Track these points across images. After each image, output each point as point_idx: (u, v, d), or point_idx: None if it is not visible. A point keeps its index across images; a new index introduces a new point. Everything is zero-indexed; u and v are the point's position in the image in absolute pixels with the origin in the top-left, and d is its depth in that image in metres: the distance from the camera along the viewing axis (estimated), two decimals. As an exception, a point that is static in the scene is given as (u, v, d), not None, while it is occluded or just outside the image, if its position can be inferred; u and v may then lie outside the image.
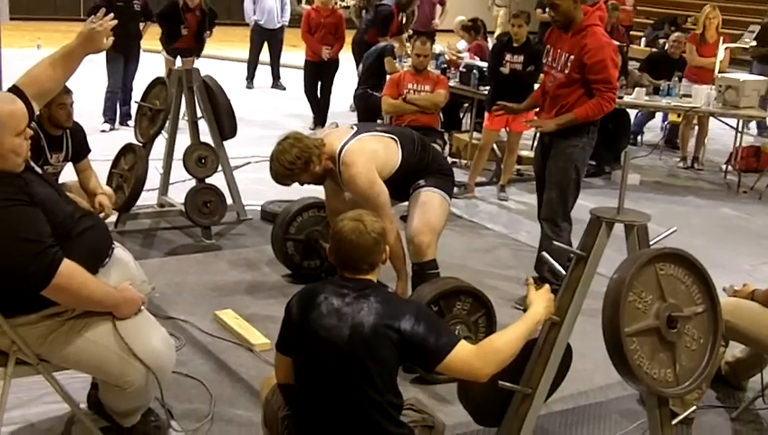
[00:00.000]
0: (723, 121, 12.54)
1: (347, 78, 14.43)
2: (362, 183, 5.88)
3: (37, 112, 4.56)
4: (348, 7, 18.18)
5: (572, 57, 6.76)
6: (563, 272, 4.28)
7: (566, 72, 6.82)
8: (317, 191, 6.98)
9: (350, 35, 14.21)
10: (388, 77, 11.12)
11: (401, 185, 6.10)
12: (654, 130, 14.80)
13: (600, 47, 6.73)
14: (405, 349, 3.69)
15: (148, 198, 8.49)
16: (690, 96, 11.74)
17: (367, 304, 3.72)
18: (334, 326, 3.69)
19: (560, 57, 6.88)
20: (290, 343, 3.90)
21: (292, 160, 5.80)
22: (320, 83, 13.73)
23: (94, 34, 4.51)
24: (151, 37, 13.84)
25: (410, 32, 14.70)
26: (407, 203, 6.41)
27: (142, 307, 4.35)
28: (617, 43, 12.71)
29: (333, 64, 13.67)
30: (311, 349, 3.75)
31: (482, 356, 3.75)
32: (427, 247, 6.00)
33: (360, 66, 12.82)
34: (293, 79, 14.09)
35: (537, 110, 7.50)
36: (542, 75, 7.74)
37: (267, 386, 4.16)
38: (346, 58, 14.23)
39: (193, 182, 8.21)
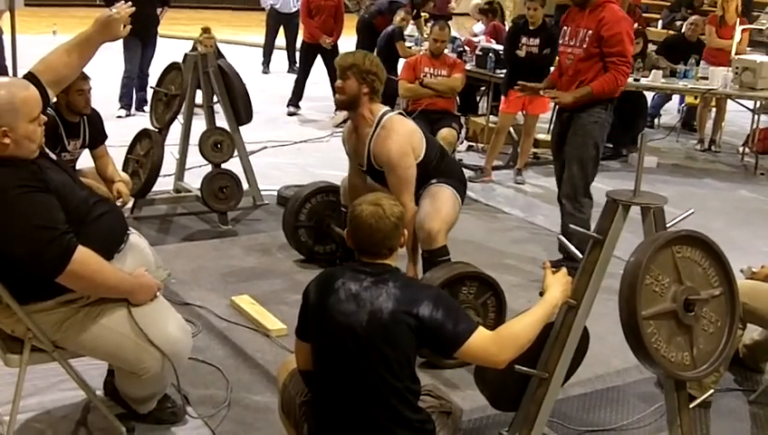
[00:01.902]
0: (740, 103, 12.49)
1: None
2: (396, 152, 5.87)
3: (53, 99, 4.54)
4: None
5: (590, 32, 6.80)
6: (580, 255, 4.26)
7: (584, 46, 6.84)
8: (327, 175, 6.97)
9: (349, 19, 14.11)
10: (402, 61, 11.12)
11: (415, 182, 6.07)
12: (671, 113, 14.78)
13: (617, 21, 6.78)
14: (423, 335, 3.68)
15: (164, 184, 8.48)
16: (707, 78, 11.69)
17: (385, 289, 3.70)
18: (352, 312, 3.68)
19: (578, 34, 6.89)
20: (308, 328, 3.89)
21: (364, 65, 5.89)
22: (327, 71, 13.64)
23: (111, 22, 4.49)
24: (167, 22, 13.84)
25: (427, 15, 14.66)
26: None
27: (158, 293, 4.35)
28: (636, 25, 12.75)
29: (333, 48, 13.55)
30: (328, 334, 3.74)
31: (499, 342, 3.73)
32: (438, 233, 5.95)
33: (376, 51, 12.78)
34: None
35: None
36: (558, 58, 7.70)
37: (285, 372, 4.15)
38: (348, 41, 14.15)
39: (209, 167, 8.19)
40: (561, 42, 7.15)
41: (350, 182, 6.55)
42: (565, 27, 7.08)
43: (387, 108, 6.06)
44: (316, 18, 13.42)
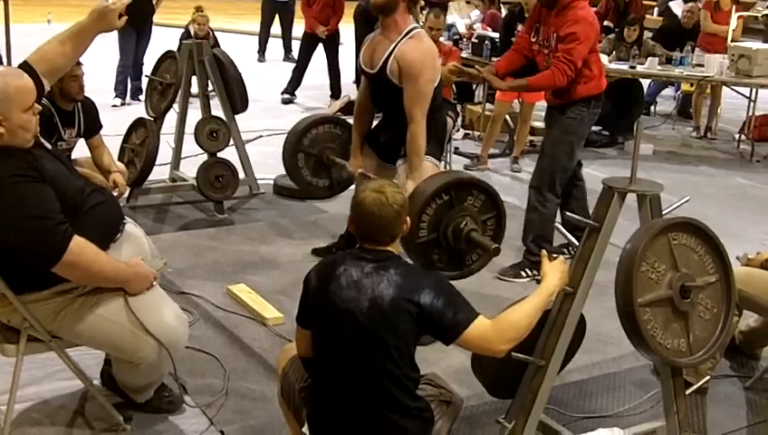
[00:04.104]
0: (736, 90, 12.49)
1: (347, 51, 14.40)
2: (422, 61, 5.88)
3: (48, 89, 4.53)
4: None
5: (556, 34, 6.65)
6: (576, 242, 4.27)
7: (552, 48, 6.70)
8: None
9: (349, 6, 14.10)
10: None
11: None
12: (667, 100, 14.76)
13: (576, 21, 6.54)
14: (423, 322, 3.68)
15: (159, 173, 8.47)
16: (703, 66, 11.69)
17: (387, 276, 3.70)
18: (353, 299, 3.67)
19: (549, 36, 6.72)
20: (309, 315, 3.89)
21: None
22: (326, 59, 13.67)
23: (107, 12, 4.46)
24: (163, 11, 13.81)
25: (422, 2, 14.64)
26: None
27: (154, 283, 4.36)
28: (634, 15, 12.76)
29: (333, 37, 13.57)
30: (329, 321, 3.74)
31: (498, 331, 3.73)
32: None
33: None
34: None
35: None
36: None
37: (285, 358, 4.15)
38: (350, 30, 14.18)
39: (205, 156, 8.18)
40: (533, 39, 6.93)
41: (359, 101, 6.58)
42: (537, 24, 6.88)
43: (417, 25, 6.10)
44: (314, 7, 13.39)
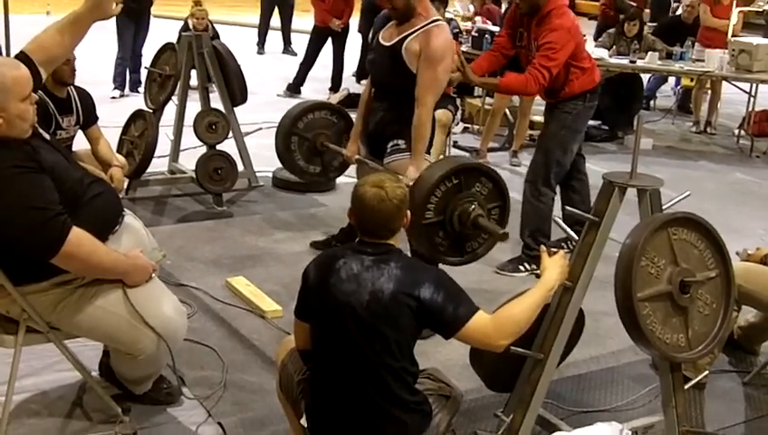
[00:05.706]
0: (736, 86, 12.48)
1: (349, 44, 14.39)
2: (444, 49, 5.93)
3: (44, 78, 4.51)
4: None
5: (536, 42, 6.64)
6: (576, 236, 4.26)
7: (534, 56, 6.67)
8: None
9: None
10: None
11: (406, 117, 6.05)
12: (667, 95, 14.75)
13: (552, 30, 6.53)
14: (423, 317, 3.67)
15: (158, 165, 8.47)
16: (703, 60, 11.68)
17: (387, 269, 3.69)
18: (353, 292, 3.67)
19: (530, 44, 6.73)
20: (308, 308, 3.89)
21: None
22: (332, 51, 13.69)
23: (102, 0, 4.46)
24: (161, 2, 13.79)
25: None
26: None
27: (153, 275, 4.35)
28: (634, 4, 12.73)
29: (343, 30, 13.59)
30: (329, 314, 3.73)
31: (498, 326, 3.72)
32: None
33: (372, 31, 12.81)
34: (305, 44, 14.12)
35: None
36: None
37: (284, 350, 4.15)
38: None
39: (204, 149, 8.17)
40: (518, 43, 6.93)
41: (369, 88, 6.54)
42: (521, 30, 6.87)
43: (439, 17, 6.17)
44: (327, 0, 13.40)
